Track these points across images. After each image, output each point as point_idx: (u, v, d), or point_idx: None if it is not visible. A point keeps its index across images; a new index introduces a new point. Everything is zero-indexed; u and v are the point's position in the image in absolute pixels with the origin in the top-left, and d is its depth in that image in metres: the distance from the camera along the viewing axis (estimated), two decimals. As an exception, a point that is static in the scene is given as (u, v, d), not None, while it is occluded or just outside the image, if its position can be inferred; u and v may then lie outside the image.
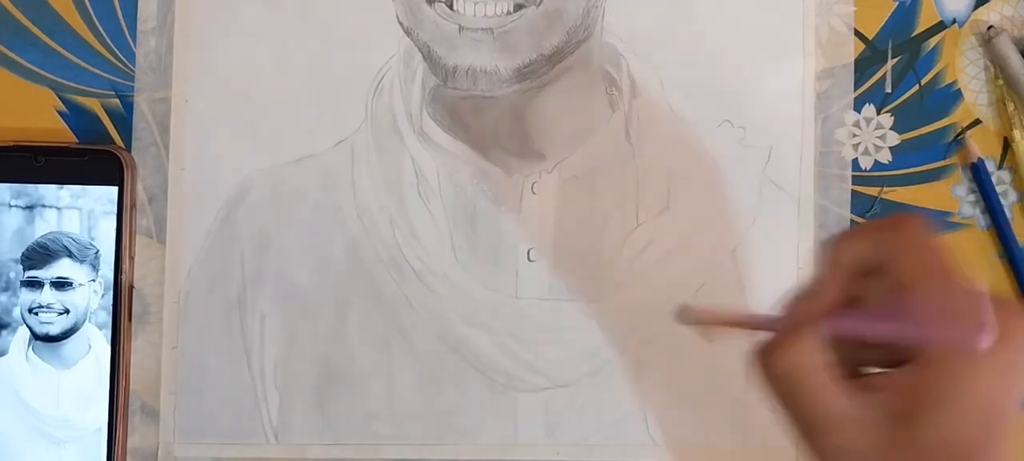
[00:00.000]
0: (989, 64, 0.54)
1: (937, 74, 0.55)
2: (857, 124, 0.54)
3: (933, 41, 0.55)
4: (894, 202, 0.54)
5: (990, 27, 0.54)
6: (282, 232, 0.53)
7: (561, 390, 0.53)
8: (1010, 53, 0.53)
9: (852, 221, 0.54)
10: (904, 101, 0.54)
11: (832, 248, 0.37)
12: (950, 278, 0.35)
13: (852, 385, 0.35)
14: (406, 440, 0.53)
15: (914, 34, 0.55)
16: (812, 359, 0.35)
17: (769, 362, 0.35)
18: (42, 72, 0.53)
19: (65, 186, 0.51)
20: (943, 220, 0.54)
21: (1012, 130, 0.54)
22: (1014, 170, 0.54)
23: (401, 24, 0.53)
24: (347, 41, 0.53)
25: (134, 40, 0.53)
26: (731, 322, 0.40)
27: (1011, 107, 0.53)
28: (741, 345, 0.53)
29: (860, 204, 0.54)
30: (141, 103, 0.53)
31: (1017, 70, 0.53)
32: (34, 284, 0.51)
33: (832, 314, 0.36)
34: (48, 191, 0.51)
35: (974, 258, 0.54)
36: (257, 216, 0.53)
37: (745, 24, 0.54)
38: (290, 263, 0.53)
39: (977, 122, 0.54)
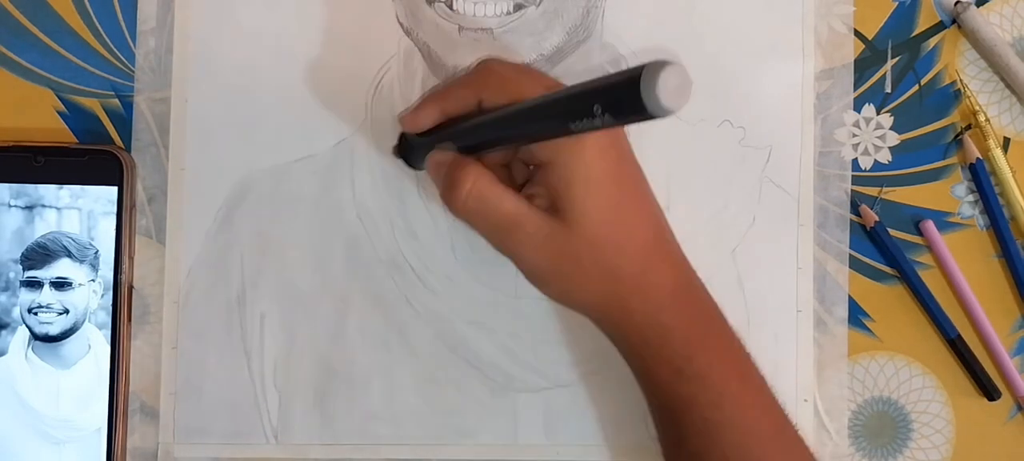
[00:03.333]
0: (959, 78, 0.54)
1: (937, 74, 0.55)
2: (857, 124, 0.54)
3: (933, 41, 0.55)
4: (894, 202, 0.54)
5: (957, 3, 0.54)
6: (282, 232, 0.53)
7: (561, 390, 0.53)
8: (981, 25, 0.53)
9: (852, 221, 0.54)
10: (904, 101, 0.55)
11: (436, 101, 0.46)
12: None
13: (516, 194, 0.44)
14: (406, 440, 0.53)
15: (914, 34, 0.55)
16: (486, 179, 0.43)
17: (459, 198, 0.44)
18: (42, 72, 0.53)
19: (65, 186, 0.51)
20: (943, 220, 0.54)
21: (986, 140, 0.54)
22: (994, 179, 0.54)
23: (401, 24, 0.53)
24: (347, 41, 0.53)
25: (134, 40, 0.53)
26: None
27: (982, 118, 0.53)
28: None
29: (860, 204, 0.54)
30: (141, 103, 0.53)
31: (991, 41, 0.53)
32: (34, 284, 0.51)
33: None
34: (48, 191, 0.51)
35: (974, 257, 0.54)
36: (257, 216, 0.53)
37: (745, 24, 0.54)
38: (290, 263, 0.53)
39: (969, 126, 0.54)
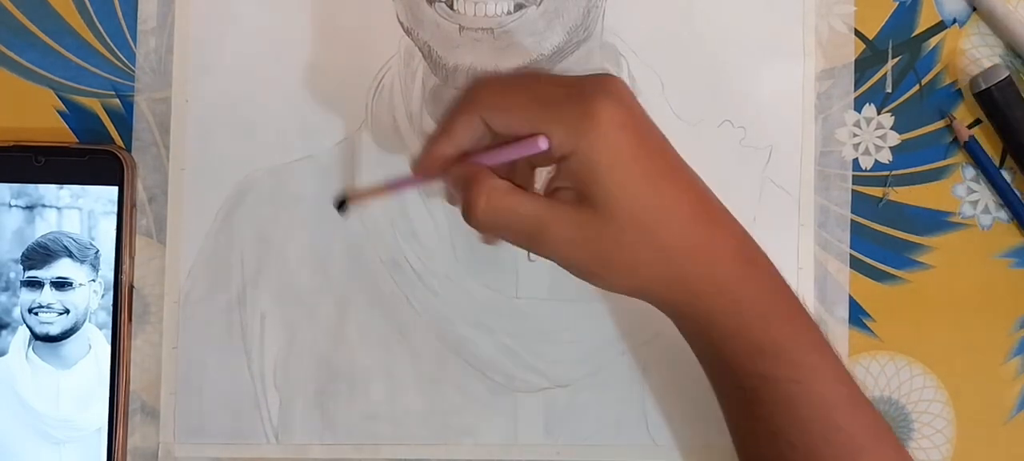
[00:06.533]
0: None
1: (937, 74, 0.55)
2: (857, 124, 0.54)
3: (933, 41, 0.55)
4: (895, 202, 0.54)
5: None
6: (282, 232, 0.53)
7: (561, 390, 0.53)
8: (997, 5, 0.53)
9: (853, 221, 0.54)
10: (904, 101, 0.54)
11: (445, 140, 0.43)
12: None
13: (535, 195, 0.42)
14: (406, 440, 0.53)
15: (914, 34, 0.55)
16: (500, 191, 0.41)
17: (476, 217, 0.41)
18: (42, 72, 0.53)
19: (65, 186, 0.51)
20: (943, 220, 0.54)
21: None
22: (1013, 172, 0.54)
23: (401, 24, 0.53)
24: (347, 41, 0.53)
25: (134, 40, 0.53)
26: (379, 192, 0.47)
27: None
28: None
29: (860, 204, 0.54)
30: (141, 103, 0.53)
31: (1002, 14, 0.53)
32: (34, 284, 0.51)
33: (478, 155, 0.43)
34: (48, 191, 0.51)
35: (974, 257, 0.54)
36: (257, 216, 0.53)
37: (745, 24, 0.54)
38: (290, 263, 0.53)
39: (978, 121, 0.54)
